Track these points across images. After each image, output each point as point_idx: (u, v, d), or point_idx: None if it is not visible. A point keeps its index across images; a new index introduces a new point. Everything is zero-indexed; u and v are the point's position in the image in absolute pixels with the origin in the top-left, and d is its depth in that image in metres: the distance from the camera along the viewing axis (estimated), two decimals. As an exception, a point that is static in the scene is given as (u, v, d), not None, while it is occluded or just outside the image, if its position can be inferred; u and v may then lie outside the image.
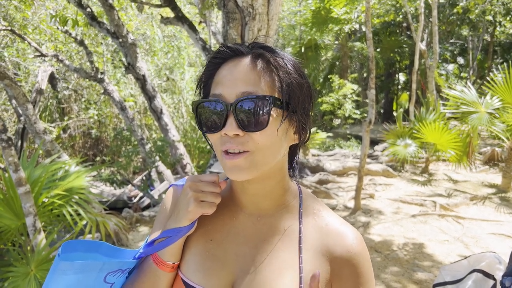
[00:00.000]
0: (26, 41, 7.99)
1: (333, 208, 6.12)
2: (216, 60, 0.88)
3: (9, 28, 7.94)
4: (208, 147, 9.80)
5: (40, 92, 8.32)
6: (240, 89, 0.81)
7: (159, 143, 7.02)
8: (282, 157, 0.89)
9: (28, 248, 3.49)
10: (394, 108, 15.63)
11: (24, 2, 8.16)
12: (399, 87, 16.66)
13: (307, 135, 0.93)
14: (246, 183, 0.90)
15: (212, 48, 8.34)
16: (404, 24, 14.40)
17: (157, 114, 7.81)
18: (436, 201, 6.20)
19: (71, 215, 3.59)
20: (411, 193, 6.88)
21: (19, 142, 7.56)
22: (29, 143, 8.56)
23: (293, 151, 0.97)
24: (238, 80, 0.82)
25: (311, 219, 0.94)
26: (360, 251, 0.90)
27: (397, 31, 14.93)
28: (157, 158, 7.07)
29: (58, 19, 5.86)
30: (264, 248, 0.91)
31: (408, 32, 14.48)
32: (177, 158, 7.55)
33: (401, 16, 13.35)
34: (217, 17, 10.78)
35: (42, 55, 7.90)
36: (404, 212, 5.94)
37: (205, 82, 0.90)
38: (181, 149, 7.87)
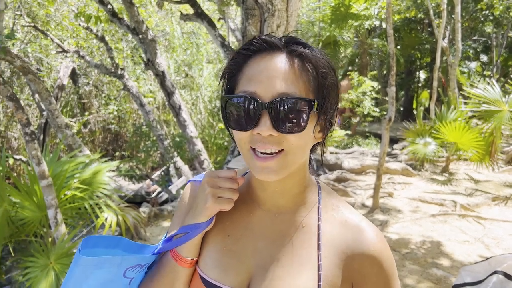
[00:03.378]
0: (48, 37, 8.15)
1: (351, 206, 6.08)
2: (247, 52, 0.84)
3: (33, 24, 8.11)
4: (226, 143, 9.84)
5: (62, 87, 8.47)
6: (277, 89, 0.78)
7: (177, 139, 7.07)
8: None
9: (50, 239, 3.57)
10: (414, 106, 15.39)
11: (47, -1, 8.31)
12: (420, 84, 16.38)
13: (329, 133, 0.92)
14: (267, 181, 0.88)
15: (231, 45, 8.35)
16: (426, 21, 14.14)
17: (176, 110, 7.87)
18: (456, 201, 6.09)
19: (92, 208, 3.66)
20: (430, 192, 6.77)
21: (42, 136, 7.72)
22: (50, 137, 8.73)
23: (312, 148, 0.95)
24: (275, 78, 0.79)
25: (330, 216, 0.92)
26: (382, 248, 0.87)
27: (418, 27, 14.67)
28: (175, 153, 7.12)
29: (83, 17, 5.95)
30: (282, 244, 0.90)
31: (430, 29, 14.23)
32: (195, 154, 7.60)
33: (422, 13, 13.12)
34: (236, 14, 10.78)
35: (64, 51, 8.04)
36: (423, 212, 5.85)
37: (232, 74, 0.87)
38: (199, 145, 7.91)
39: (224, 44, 7.14)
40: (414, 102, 16.06)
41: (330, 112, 0.85)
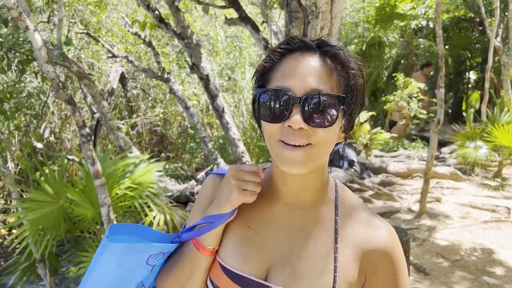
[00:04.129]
0: (100, 43, 8.53)
1: (397, 211, 5.93)
2: (282, 51, 0.90)
3: (86, 31, 8.53)
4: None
5: (112, 91, 8.84)
6: (310, 85, 0.83)
7: (221, 141, 7.20)
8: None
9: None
10: (464, 108, 14.79)
11: (99, 7, 8.70)
12: (469, 86, 15.71)
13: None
14: (289, 175, 0.92)
15: (274, 48, 8.38)
16: (477, 19, 13.56)
17: (219, 113, 7.99)
18: (510, 207, 5.80)
19: (141, 207, 3.80)
20: (481, 198, 6.49)
21: (93, 138, 8.08)
22: (100, 139, 9.12)
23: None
24: (308, 75, 0.84)
25: (346, 212, 0.96)
26: (394, 245, 0.91)
27: (468, 26, 14.09)
28: (219, 155, 7.24)
29: (138, 24, 6.22)
30: (300, 237, 0.94)
31: (481, 28, 13.63)
32: (238, 155, 7.68)
33: (473, 11, 12.59)
34: (279, 16, 10.83)
35: (113, 56, 8.39)
36: (473, 218, 5.62)
37: (266, 70, 0.92)
38: (241, 147, 7.99)
39: (267, 47, 7.18)
40: (464, 104, 15.43)
41: (355, 113, 0.91)
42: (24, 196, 4.20)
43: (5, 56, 3.75)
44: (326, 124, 0.83)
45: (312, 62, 0.85)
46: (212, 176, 1.07)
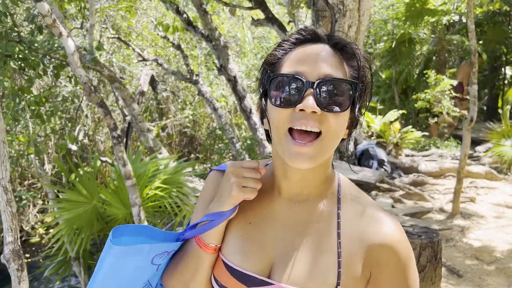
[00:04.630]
0: (130, 47, 8.75)
1: (428, 211, 5.79)
2: (294, 40, 0.90)
3: (117, 36, 8.77)
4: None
5: (142, 93, 9.05)
6: (324, 71, 0.83)
7: (249, 141, 7.24)
8: None
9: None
10: (499, 105, 14.27)
11: (129, 12, 8.93)
12: (505, 82, 15.14)
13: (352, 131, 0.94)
14: (293, 170, 0.90)
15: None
16: (512, 13, 13.07)
17: (247, 114, 8.05)
18: (550, 207, 5.56)
19: (171, 207, 3.88)
20: (519, 198, 6.25)
21: (125, 140, 8.29)
22: (132, 141, 9.34)
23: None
24: (321, 61, 0.84)
25: (349, 206, 0.93)
26: (399, 238, 0.88)
27: (504, 20, 13.59)
28: (247, 155, 7.30)
29: (161, 26, 6.34)
30: (302, 232, 0.92)
31: (517, 21, 13.14)
32: (265, 156, 7.72)
33: (508, 4, 12.14)
34: (306, 16, 10.79)
35: (144, 59, 8.59)
36: (509, 218, 5.43)
37: (277, 59, 0.90)
38: (269, 147, 8.01)
39: (294, 47, 7.18)
40: (499, 100, 14.90)
41: (363, 106, 0.90)
42: (60, 197, 4.36)
43: (41, 62, 3.92)
44: (339, 109, 0.83)
45: (324, 51, 0.86)
46: (214, 173, 1.07)
